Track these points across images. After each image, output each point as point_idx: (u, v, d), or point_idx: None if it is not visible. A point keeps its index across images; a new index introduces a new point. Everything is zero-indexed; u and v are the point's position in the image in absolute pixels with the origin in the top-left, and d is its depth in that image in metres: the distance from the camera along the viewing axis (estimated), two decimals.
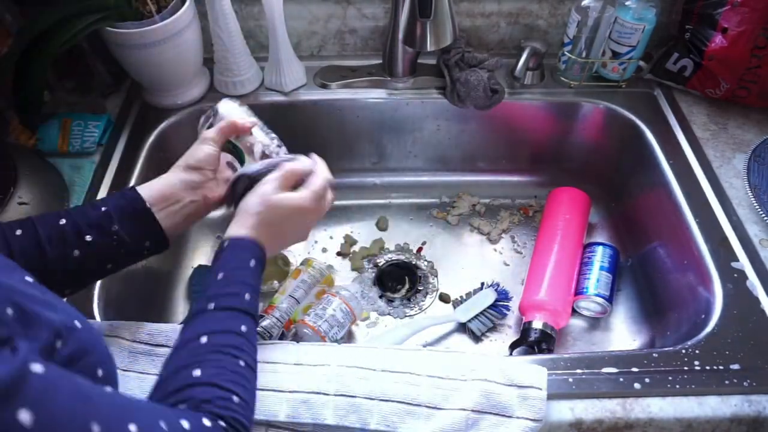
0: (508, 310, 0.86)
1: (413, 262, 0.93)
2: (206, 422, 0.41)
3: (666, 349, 0.63)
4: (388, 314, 0.87)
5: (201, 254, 0.95)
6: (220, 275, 0.52)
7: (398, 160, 1.02)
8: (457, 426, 0.54)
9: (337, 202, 1.01)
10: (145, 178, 0.83)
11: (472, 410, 0.54)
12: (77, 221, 0.53)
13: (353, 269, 0.92)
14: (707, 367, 0.60)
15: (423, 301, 0.89)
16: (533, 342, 0.77)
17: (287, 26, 0.85)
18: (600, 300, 0.81)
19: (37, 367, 0.30)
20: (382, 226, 0.98)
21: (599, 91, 0.93)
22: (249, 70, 0.90)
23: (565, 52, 0.91)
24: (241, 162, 0.67)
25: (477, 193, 1.03)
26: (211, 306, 0.50)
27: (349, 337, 0.83)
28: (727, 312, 0.65)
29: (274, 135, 0.66)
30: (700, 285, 0.71)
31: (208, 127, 0.64)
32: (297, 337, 0.75)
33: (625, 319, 0.85)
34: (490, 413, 0.54)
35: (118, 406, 0.35)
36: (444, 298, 0.89)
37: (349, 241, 0.95)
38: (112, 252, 0.55)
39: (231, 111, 0.65)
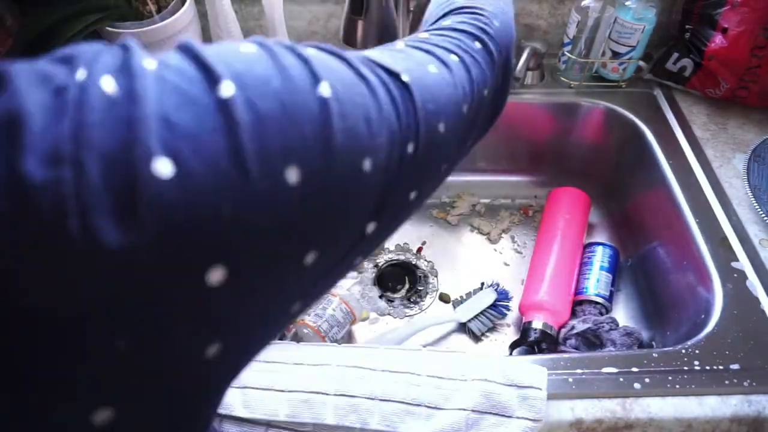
0: (508, 310, 0.86)
1: (413, 262, 0.93)
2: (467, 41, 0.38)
3: (666, 349, 0.63)
4: (388, 314, 0.87)
5: None
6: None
7: None
8: (457, 426, 0.54)
9: None
10: None
11: (472, 410, 0.54)
12: None
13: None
14: (707, 367, 0.60)
15: (423, 301, 0.89)
16: (533, 342, 0.77)
17: (287, 26, 0.85)
18: (600, 299, 0.82)
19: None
20: None
21: (599, 91, 0.93)
22: None
23: (565, 52, 0.91)
24: None
25: (477, 193, 1.03)
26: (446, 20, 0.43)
27: (349, 337, 0.83)
28: (727, 312, 0.65)
29: None
30: (700, 285, 0.71)
31: None
32: (297, 338, 0.75)
33: (625, 319, 0.85)
34: (490, 413, 0.54)
35: None
36: (444, 298, 0.89)
37: None
38: None
39: None
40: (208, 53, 0.23)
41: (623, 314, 0.85)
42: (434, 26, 0.40)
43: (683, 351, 0.62)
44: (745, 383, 0.59)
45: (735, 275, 0.69)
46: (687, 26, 0.88)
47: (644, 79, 0.94)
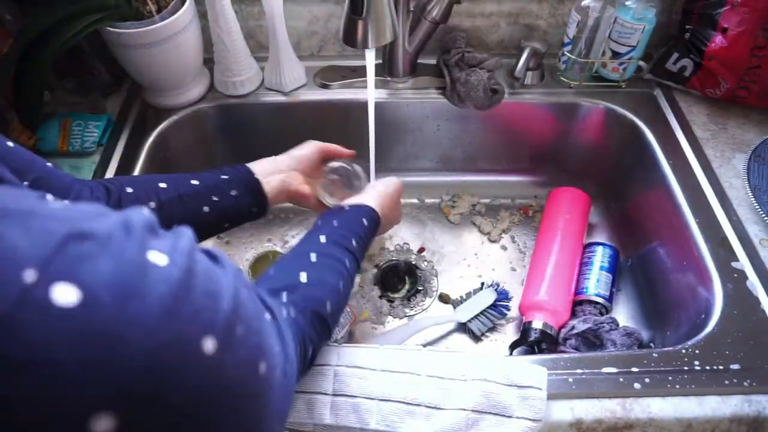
0: (508, 310, 0.86)
1: (414, 263, 0.93)
2: (297, 316, 0.46)
3: (666, 349, 0.63)
4: (389, 314, 0.87)
5: None
6: (336, 222, 0.61)
7: (398, 160, 1.02)
8: (456, 426, 0.54)
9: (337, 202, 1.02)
10: None
11: (472, 410, 0.54)
12: (207, 183, 0.63)
13: None
14: (707, 367, 0.60)
15: (423, 301, 0.89)
16: (533, 342, 0.77)
17: (287, 26, 0.85)
18: (600, 299, 0.81)
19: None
20: None
21: (599, 91, 0.93)
22: (249, 70, 0.90)
23: (565, 52, 0.91)
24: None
25: (477, 192, 1.03)
26: (323, 238, 0.57)
27: (349, 337, 0.83)
28: (727, 312, 0.65)
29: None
30: (700, 285, 0.71)
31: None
32: None
33: (625, 319, 0.85)
34: (490, 413, 0.54)
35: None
36: (444, 298, 0.89)
37: None
38: (230, 212, 0.65)
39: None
40: None
41: (623, 314, 0.85)
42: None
43: (683, 351, 0.62)
44: (745, 383, 0.59)
45: (735, 275, 0.69)
46: (687, 26, 0.88)
47: (644, 79, 0.94)
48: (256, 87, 0.92)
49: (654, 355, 0.62)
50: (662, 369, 0.60)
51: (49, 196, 0.29)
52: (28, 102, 0.77)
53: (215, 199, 0.62)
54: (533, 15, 0.94)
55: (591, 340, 0.77)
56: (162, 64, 0.82)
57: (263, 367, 0.31)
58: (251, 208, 0.66)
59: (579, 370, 0.60)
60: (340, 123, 0.95)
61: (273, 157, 0.71)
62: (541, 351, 0.77)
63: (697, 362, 0.61)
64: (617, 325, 0.78)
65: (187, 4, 0.80)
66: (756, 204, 0.74)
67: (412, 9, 0.85)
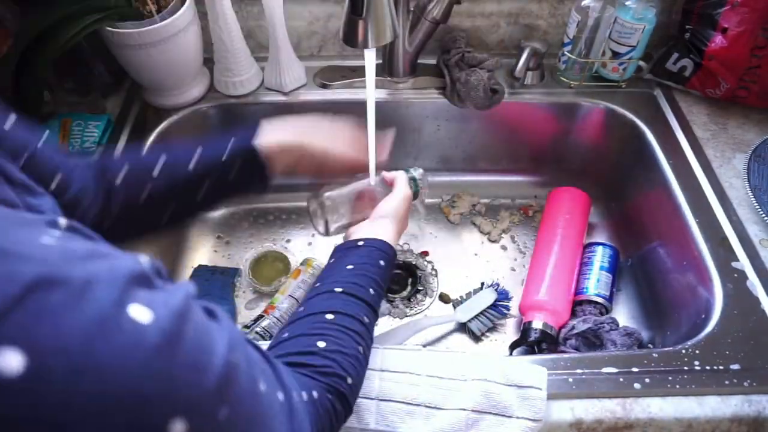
0: (508, 310, 0.85)
1: (414, 263, 0.93)
2: (315, 393, 0.42)
3: (666, 349, 0.63)
4: (389, 314, 0.87)
5: (201, 254, 0.95)
6: (350, 266, 0.55)
7: (398, 160, 1.02)
8: (456, 426, 0.54)
9: None
10: None
11: (472, 410, 0.54)
12: (204, 169, 0.58)
13: None
14: (707, 367, 0.60)
15: (423, 301, 0.89)
16: (533, 342, 0.77)
17: (287, 26, 0.85)
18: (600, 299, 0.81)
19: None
20: None
21: (599, 91, 0.93)
22: (249, 70, 0.90)
23: (565, 52, 0.91)
24: None
25: (477, 192, 1.03)
26: (339, 289, 0.52)
27: None
28: (727, 312, 0.65)
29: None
30: (700, 285, 0.71)
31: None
32: None
33: (625, 319, 0.85)
34: (490, 413, 0.54)
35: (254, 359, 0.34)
36: (444, 298, 0.89)
37: None
38: (225, 193, 0.63)
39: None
40: None
41: (623, 314, 0.85)
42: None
43: (683, 351, 0.62)
44: (745, 383, 0.59)
45: (735, 275, 0.69)
46: (687, 26, 0.88)
47: (644, 79, 0.94)
48: (256, 87, 0.92)
49: (654, 355, 0.62)
50: (662, 369, 0.60)
51: (62, 221, 0.26)
52: (28, 102, 0.77)
53: (210, 184, 0.59)
54: (533, 15, 0.94)
55: (591, 340, 0.77)
56: (162, 64, 0.82)
57: None
58: (249, 187, 0.63)
59: (579, 370, 0.60)
60: None
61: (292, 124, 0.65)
62: (541, 351, 0.77)
63: (697, 362, 0.61)
64: (617, 325, 0.78)
65: (187, 4, 0.80)
66: (756, 204, 0.74)
67: (412, 9, 0.85)
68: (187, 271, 0.91)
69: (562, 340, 0.78)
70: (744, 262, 0.70)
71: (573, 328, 0.77)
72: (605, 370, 0.60)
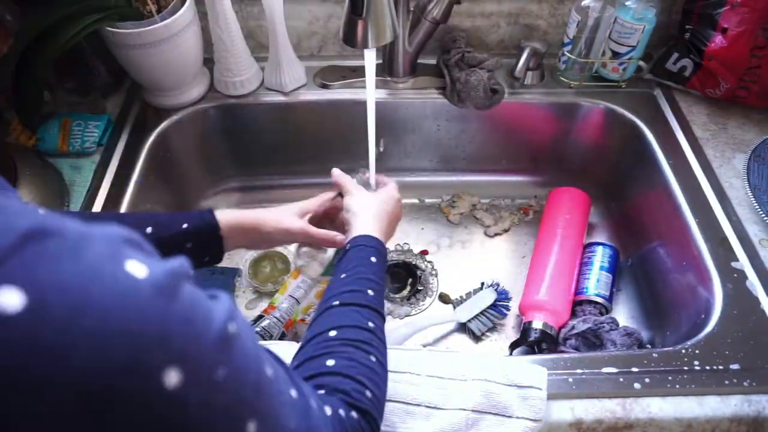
0: (508, 310, 0.85)
1: (414, 263, 0.93)
2: (341, 411, 0.40)
3: (666, 349, 0.63)
4: (389, 314, 0.87)
5: None
6: (343, 275, 0.55)
7: (398, 160, 1.02)
8: (456, 426, 0.54)
9: None
10: (145, 178, 0.83)
11: (472, 410, 0.54)
12: (161, 234, 0.58)
13: None
14: (707, 367, 0.60)
15: (423, 301, 0.89)
16: (533, 342, 0.77)
17: (287, 26, 0.85)
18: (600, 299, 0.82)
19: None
20: None
21: (599, 91, 0.93)
22: (249, 70, 0.90)
23: (565, 52, 0.91)
24: None
25: (477, 193, 1.03)
26: (336, 302, 0.51)
27: None
28: (727, 312, 0.65)
29: None
30: (700, 285, 0.71)
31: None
32: (298, 338, 0.75)
33: (625, 319, 0.85)
34: (490, 413, 0.54)
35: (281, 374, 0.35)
36: (444, 298, 0.89)
37: None
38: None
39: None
40: None
41: (623, 314, 0.85)
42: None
43: (683, 351, 0.62)
44: (745, 383, 0.59)
45: (735, 275, 0.69)
46: (687, 26, 0.88)
47: (644, 79, 0.94)
48: (256, 87, 0.92)
49: (654, 355, 0.62)
50: (662, 369, 0.60)
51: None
52: (28, 102, 0.77)
53: (165, 251, 0.58)
54: (533, 15, 0.94)
55: (591, 340, 0.77)
56: (162, 64, 0.82)
57: (252, 427, 0.27)
58: (204, 258, 0.63)
59: (579, 370, 0.60)
60: (340, 123, 0.95)
61: (246, 212, 0.66)
62: (541, 351, 0.77)
63: (697, 362, 0.61)
64: (617, 325, 0.78)
65: (187, 4, 0.80)
66: (756, 204, 0.74)
67: (412, 9, 0.85)
68: None
69: (562, 340, 0.78)
70: (744, 262, 0.70)
71: (573, 328, 0.77)
72: (605, 370, 0.60)
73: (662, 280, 0.81)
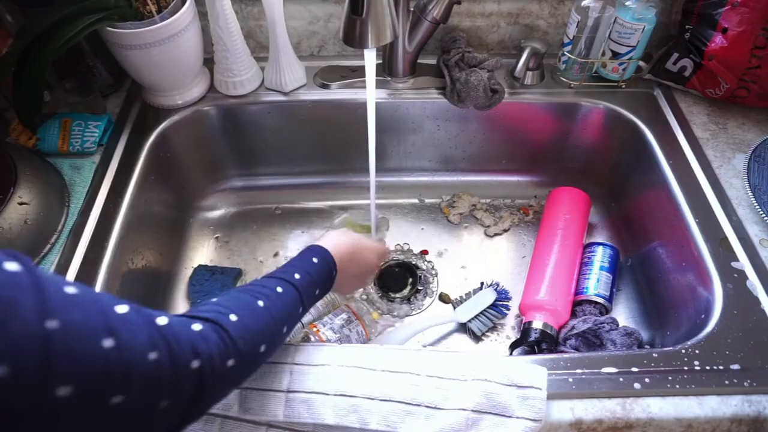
0: (508, 309, 0.86)
1: (414, 263, 0.93)
2: (196, 326, 0.42)
3: (666, 349, 0.63)
4: (389, 314, 0.87)
5: (201, 254, 0.95)
6: (282, 268, 0.58)
7: (398, 160, 1.02)
8: (457, 426, 0.54)
9: (337, 202, 1.02)
10: (145, 178, 0.83)
11: (472, 410, 0.54)
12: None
13: None
14: (707, 367, 0.60)
15: (423, 301, 0.89)
16: (533, 342, 0.77)
17: (287, 26, 0.85)
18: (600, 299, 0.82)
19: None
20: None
21: (599, 91, 0.93)
22: (249, 70, 0.90)
23: (565, 52, 0.91)
24: None
25: (477, 193, 1.03)
26: (259, 278, 0.55)
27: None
28: (727, 312, 0.65)
29: None
30: (700, 285, 0.71)
31: None
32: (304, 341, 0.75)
33: (625, 319, 0.85)
34: (490, 413, 0.54)
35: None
36: (444, 298, 0.89)
37: None
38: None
39: None
40: None
41: (623, 314, 0.85)
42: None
43: (683, 351, 0.62)
44: (745, 383, 0.59)
45: (735, 275, 0.69)
46: (687, 26, 0.88)
47: (644, 79, 0.94)
48: (256, 87, 0.92)
49: (654, 355, 0.62)
50: (662, 369, 0.60)
51: None
52: (28, 102, 0.77)
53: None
54: (533, 15, 0.94)
55: (591, 340, 0.77)
56: (162, 64, 0.82)
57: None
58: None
59: (579, 370, 0.60)
60: (340, 123, 0.95)
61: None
62: (541, 351, 0.77)
63: (697, 362, 0.61)
64: (617, 325, 0.78)
65: (187, 4, 0.80)
66: (756, 204, 0.74)
67: (412, 9, 0.85)
68: (187, 271, 0.91)
69: (562, 340, 0.78)
70: (744, 262, 0.70)
71: (573, 328, 0.77)
72: (605, 370, 0.60)
73: (662, 280, 0.81)
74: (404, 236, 0.97)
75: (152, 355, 0.35)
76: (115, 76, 0.92)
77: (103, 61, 0.88)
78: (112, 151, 0.84)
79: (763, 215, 0.73)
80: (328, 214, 1.00)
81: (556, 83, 0.94)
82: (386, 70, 0.93)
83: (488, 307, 0.84)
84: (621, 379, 0.59)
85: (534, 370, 0.58)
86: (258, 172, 1.02)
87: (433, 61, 0.95)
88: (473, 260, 0.94)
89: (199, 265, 0.91)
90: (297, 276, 0.56)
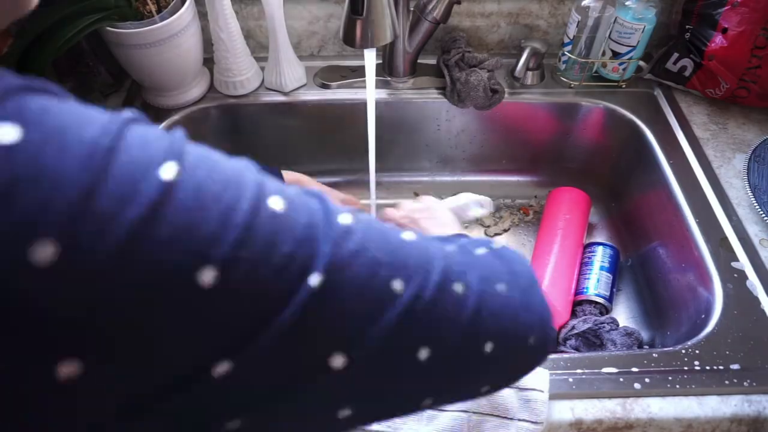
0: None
1: None
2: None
3: (666, 349, 0.63)
4: None
5: None
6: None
7: (398, 160, 1.02)
8: (458, 428, 0.54)
9: None
10: None
11: (474, 412, 0.54)
12: None
13: None
14: (707, 367, 0.60)
15: None
16: None
17: (287, 26, 0.85)
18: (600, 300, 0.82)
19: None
20: None
21: (599, 91, 0.93)
22: (249, 70, 0.90)
23: (565, 52, 0.91)
24: None
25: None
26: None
27: None
28: (727, 312, 0.66)
29: None
30: (700, 285, 0.71)
31: None
32: None
33: (625, 319, 0.85)
34: (492, 415, 0.54)
35: None
36: None
37: None
38: None
39: None
40: None
41: (623, 314, 0.85)
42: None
43: (683, 351, 0.62)
44: (745, 383, 0.59)
45: (735, 275, 0.69)
46: (687, 26, 0.88)
47: (644, 79, 0.94)
48: (256, 87, 0.92)
49: (654, 355, 0.62)
50: (662, 369, 0.60)
51: None
52: None
53: None
54: (533, 15, 0.94)
55: (591, 340, 0.77)
56: (162, 64, 0.82)
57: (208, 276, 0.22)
58: None
59: (579, 370, 0.60)
60: (340, 123, 0.95)
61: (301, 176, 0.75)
62: None
63: (697, 362, 0.61)
64: (617, 325, 0.78)
65: (187, 4, 0.80)
66: (756, 204, 0.74)
67: (412, 9, 0.85)
68: None
69: (562, 340, 0.78)
70: (744, 262, 0.70)
71: (573, 328, 0.77)
72: (605, 370, 0.60)
73: (662, 280, 0.81)
74: None
75: None
76: (115, 76, 0.91)
77: (103, 61, 0.88)
78: None
79: (763, 215, 0.73)
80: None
81: (556, 83, 0.94)
82: (386, 70, 0.93)
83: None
84: (621, 379, 0.59)
85: (536, 372, 0.58)
86: None
87: (433, 61, 0.95)
88: None
89: None
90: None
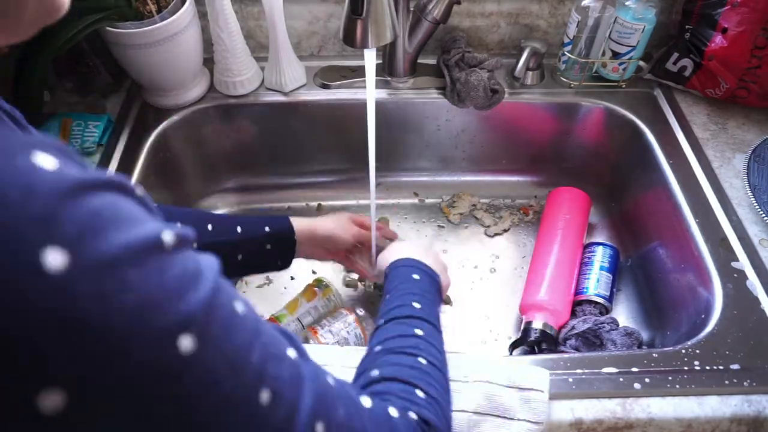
0: None
1: None
2: (392, 411, 0.40)
3: (666, 349, 0.63)
4: None
5: None
6: (387, 296, 0.57)
7: (398, 160, 1.02)
8: (458, 428, 0.54)
9: (337, 202, 1.02)
10: (144, 178, 0.83)
11: (474, 412, 0.54)
12: (248, 234, 0.67)
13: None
14: (707, 367, 0.60)
15: None
16: (533, 342, 0.77)
17: (287, 26, 0.85)
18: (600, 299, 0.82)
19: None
20: None
21: (599, 91, 0.93)
22: (249, 70, 0.90)
23: (565, 52, 0.91)
24: None
25: (477, 193, 1.03)
26: (381, 322, 0.53)
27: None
28: (727, 312, 0.66)
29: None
30: (700, 285, 0.71)
31: None
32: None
33: (625, 319, 0.85)
34: (492, 415, 0.54)
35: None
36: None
37: None
38: (258, 262, 0.70)
39: None
40: None
41: (623, 314, 0.85)
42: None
43: (683, 351, 0.62)
44: (745, 383, 0.59)
45: (735, 275, 0.69)
46: (687, 26, 0.88)
47: (644, 79, 0.94)
48: (256, 87, 0.92)
49: (654, 355, 0.62)
50: (662, 369, 0.60)
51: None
52: (28, 102, 0.77)
53: (250, 248, 0.67)
54: (533, 15, 0.94)
55: (591, 340, 0.77)
56: (162, 64, 0.82)
57: (187, 343, 0.26)
58: (277, 261, 0.71)
59: (579, 370, 0.60)
60: (340, 123, 0.95)
61: (313, 220, 0.76)
62: (541, 351, 0.77)
63: (697, 362, 0.61)
64: (617, 325, 0.78)
65: (187, 4, 0.80)
66: (756, 204, 0.74)
67: (412, 9, 0.85)
68: None
69: (562, 340, 0.78)
70: (744, 262, 0.70)
71: (573, 328, 0.77)
72: (605, 370, 0.60)
73: (662, 280, 0.81)
74: (404, 236, 0.97)
75: None
76: (115, 76, 0.91)
77: (103, 61, 0.88)
78: (112, 151, 0.84)
79: (763, 215, 0.73)
80: (328, 213, 1.00)
81: (556, 83, 0.94)
82: (386, 70, 0.93)
83: None
84: (621, 379, 0.59)
85: (536, 372, 0.58)
86: (258, 172, 1.02)
87: (433, 61, 0.95)
88: (473, 260, 0.94)
89: None
90: (416, 305, 0.54)
